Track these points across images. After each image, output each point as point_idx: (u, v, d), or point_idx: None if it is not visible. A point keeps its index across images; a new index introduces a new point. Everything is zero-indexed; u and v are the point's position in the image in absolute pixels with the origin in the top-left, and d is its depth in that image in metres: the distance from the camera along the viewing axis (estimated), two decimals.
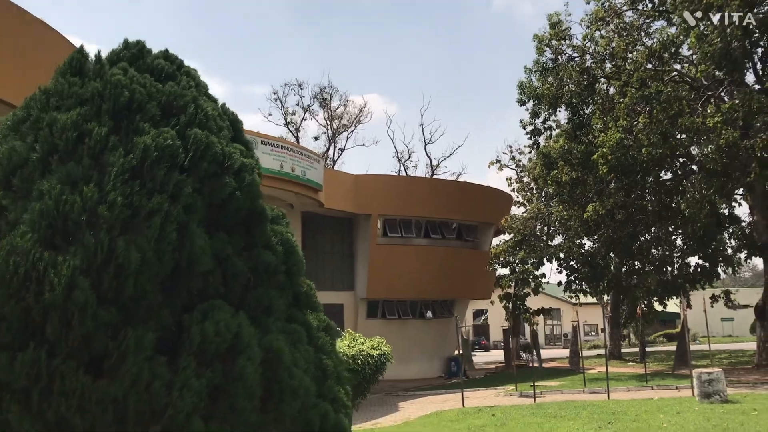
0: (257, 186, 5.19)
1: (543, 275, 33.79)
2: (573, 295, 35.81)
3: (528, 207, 28.46)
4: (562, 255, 27.01)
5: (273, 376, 4.64)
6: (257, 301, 5.02)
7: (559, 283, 35.71)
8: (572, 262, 27.87)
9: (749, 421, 11.02)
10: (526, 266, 26.60)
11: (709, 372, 13.74)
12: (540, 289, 33.63)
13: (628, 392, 18.09)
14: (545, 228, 27.02)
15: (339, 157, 49.58)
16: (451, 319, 33.09)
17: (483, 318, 68.74)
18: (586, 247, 27.29)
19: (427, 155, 66.52)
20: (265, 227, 5.25)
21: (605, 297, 36.46)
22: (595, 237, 25.16)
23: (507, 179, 47.33)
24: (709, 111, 19.89)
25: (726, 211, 28.00)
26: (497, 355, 47.79)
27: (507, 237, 31.26)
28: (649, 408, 13.32)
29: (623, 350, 40.25)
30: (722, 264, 29.11)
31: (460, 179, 47.72)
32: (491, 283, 35.86)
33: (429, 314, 32.08)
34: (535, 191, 33.35)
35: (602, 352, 39.80)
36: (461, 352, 20.88)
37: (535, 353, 35.46)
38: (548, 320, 68.27)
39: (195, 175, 4.80)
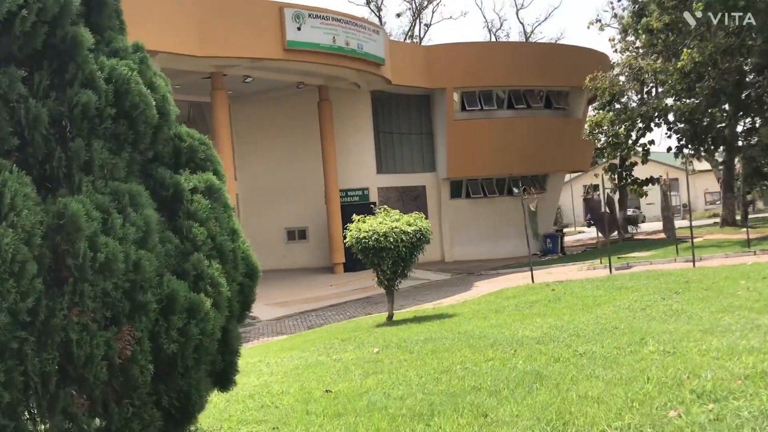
0: (64, 4, 3.93)
1: (652, 141, 30.96)
2: (685, 161, 32.84)
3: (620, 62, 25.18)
4: (657, 115, 23.99)
5: (68, 249, 3.53)
6: (73, 155, 3.86)
7: (669, 149, 32.73)
8: (670, 122, 24.79)
9: None
10: (616, 128, 23.89)
11: None
12: (648, 158, 30.97)
13: (724, 259, 16.05)
14: (638, 85, 23.98)
15: (425, 33, 46.99)
16: (544, 194, 31.21)
17: (596, 193, 65.95)
18: (687, 103, 23.95)
19: (520, 21, 61.85)
20: (82, 60, 4.00)
21: (717, 159, 33.05)
22: (696, 90, 21.88)
23: (610, 40, 43.25)
24: None
25: None
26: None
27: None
28: (732, 274, 11.46)
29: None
30: None
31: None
32: (588, 153, 33.36)
33: (517, 191, 30.34)
34: (641, 50, 29.89)
35: (718, 220, 36.83)
36: (528, 227, 19.17)
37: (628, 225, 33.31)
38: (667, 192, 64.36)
39: None
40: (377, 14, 45.68)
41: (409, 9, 46.48)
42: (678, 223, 49.12)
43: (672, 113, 24.12)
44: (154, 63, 4.60)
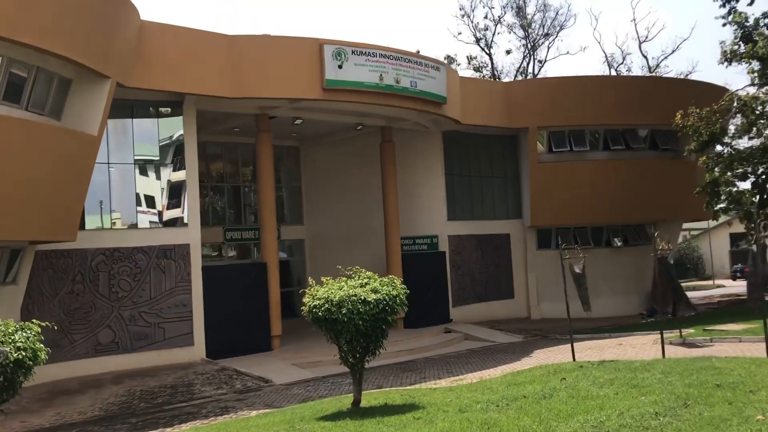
0: None
1: None
2: None
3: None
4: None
5: None
6: None
7: None
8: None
9: None
10: (716, 174, 20.11)
11: None
12: None
13: None
14: (745, 122, 20.16)
15: (540, 69, 44.21)
16: (647, 247, 27.46)
17: (742, 244, 59.25)
18: None
19: (643, 55, 55.69)
20: None
21: None
22: None
23: (748, 73, 38.39)
24: None
25: None
26: (741, 286, 40.11)
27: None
28: None
29: None
30: None
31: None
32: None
33: (617, 242, 26.88)
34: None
35: None
36: (579, 288, 16.35)
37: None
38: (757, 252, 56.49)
39: None
40: (487, 52, 43.65)
41: (524, 45, 43.97)
42: None
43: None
44: None
